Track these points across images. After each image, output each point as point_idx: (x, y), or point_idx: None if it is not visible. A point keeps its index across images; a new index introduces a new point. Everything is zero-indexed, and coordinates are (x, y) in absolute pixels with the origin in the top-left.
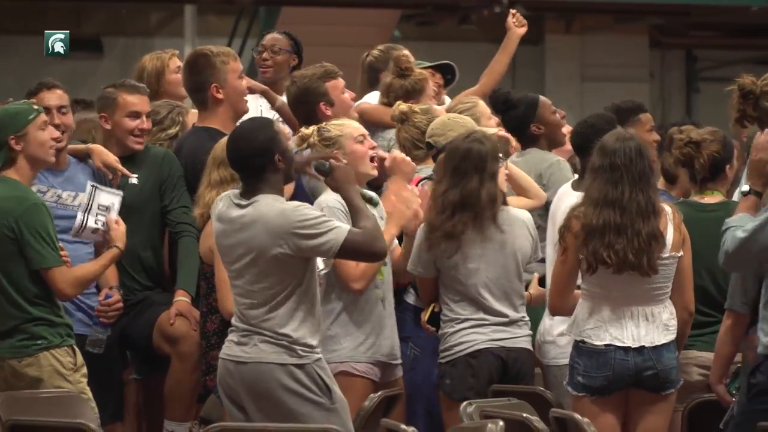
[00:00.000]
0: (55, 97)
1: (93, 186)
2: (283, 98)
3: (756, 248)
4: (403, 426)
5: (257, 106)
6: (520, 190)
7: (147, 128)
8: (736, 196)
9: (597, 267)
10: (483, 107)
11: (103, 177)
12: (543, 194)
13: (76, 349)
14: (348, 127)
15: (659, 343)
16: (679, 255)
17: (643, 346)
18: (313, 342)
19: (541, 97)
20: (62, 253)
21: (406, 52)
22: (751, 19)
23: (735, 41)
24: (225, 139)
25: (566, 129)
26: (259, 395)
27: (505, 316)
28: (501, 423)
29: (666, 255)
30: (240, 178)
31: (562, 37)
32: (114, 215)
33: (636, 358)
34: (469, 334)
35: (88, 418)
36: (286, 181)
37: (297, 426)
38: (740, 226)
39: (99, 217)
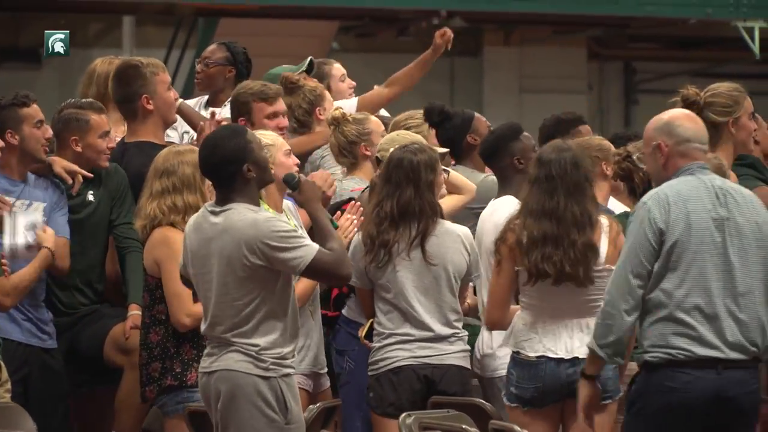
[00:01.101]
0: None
1: (9, 213)
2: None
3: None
4: None
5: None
6: (453, 188)
7: (112, 146)
8: None
9: (537, 279)
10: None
11: (60, 186)
12: (472, 186)
13: (2, 364)
14: (278, 139)
15: None
16: (614, 268)
17: (576, 357)
18: (286, 353)
19: (477, 114)
20: (2, 261)
21: (287, 72)
22: (689, 31)
23: (674, 53)
24: (166, 150)
25: None
26: (223, 403)
27: (433, 331)
28: None
29: (599, 268)
30: (214, 186)
31: (501, 49)
32: (40, 226)
33: (568, 369)
34: (394, 350)
35: (27, 429)
36: (263, 187)
37: None
38: None
39: (29, 233)
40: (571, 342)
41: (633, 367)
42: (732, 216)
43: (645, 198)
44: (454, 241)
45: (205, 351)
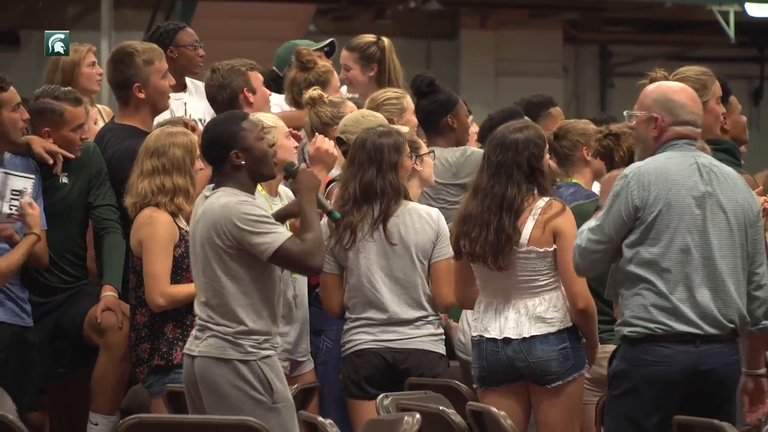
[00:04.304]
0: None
1: (4, 173)
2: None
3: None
4: (320, 418)
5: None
6: None
7: (86, 136)
8: None
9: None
10: (409, 101)
11: (35, 167)
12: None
13: None
14: (279, 121)
15: (527, 335)
16: (543, 250)
17: (509, 338)
18: (267, 336)
19: (461, 100)
20: None
21: (306, 46)
22: (665, 14)
23: (649, 37)
24: (159, 130)
25: (474, 129)
26: (207, 389)
27: (397, 315)
28: (417, 416)
29: (523, 249)
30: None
31: (477, 32)
32: (27, 198)
33: (506, 350)
34: (357, 333)
35: (6, 409)
36: (261, 179)
37: (212, 417)
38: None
39: (13, 202)
40: (506, 322)
41: (608, 349)
42: (714, 192)
43: (627, 171)
44: (418, 222)
45: (193, 331)
